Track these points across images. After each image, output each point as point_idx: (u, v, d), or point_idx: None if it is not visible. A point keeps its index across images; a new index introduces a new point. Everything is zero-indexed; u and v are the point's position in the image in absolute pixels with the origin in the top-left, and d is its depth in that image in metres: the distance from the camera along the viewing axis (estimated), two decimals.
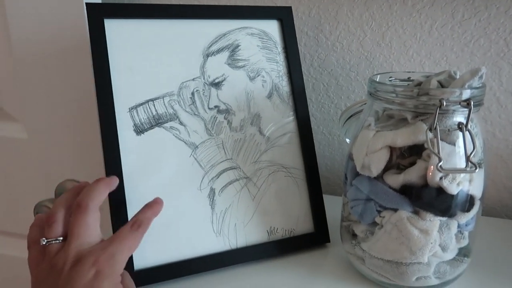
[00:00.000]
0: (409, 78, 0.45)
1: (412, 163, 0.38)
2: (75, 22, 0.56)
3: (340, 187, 0.69)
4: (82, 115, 0.61)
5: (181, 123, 0.46)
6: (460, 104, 0.35)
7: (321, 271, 0.45)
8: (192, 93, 0.47)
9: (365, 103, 0.46)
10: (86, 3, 0.44)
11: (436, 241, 0.37)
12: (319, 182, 0.50)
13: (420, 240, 0.37)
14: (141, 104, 0.45)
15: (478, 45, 0.56)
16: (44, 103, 0.62)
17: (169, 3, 0.48)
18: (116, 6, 0.46)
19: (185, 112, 0.46)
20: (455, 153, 0.36)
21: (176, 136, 0.46)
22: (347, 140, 0.55)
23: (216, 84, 0.48)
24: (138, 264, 0.42)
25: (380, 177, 0.39)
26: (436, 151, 0.35)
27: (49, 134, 0.64)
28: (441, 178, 0.36)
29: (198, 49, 0.48)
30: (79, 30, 0.56)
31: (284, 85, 0.51)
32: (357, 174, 0.41)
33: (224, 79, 0.49)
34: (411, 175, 0.37)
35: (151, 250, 0.43)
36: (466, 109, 0.35)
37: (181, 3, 0.49)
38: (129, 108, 0.44)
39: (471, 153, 0.35)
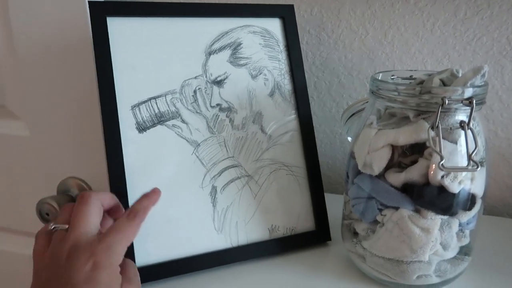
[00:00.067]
0: (411, 76, 0.45)
1: (414, 162, 0.38)
2: (78, 20, 0.56)
3: (342, 185, 0.69)
4: (84, 113, 0.61)
5: (183, 121, 0.46)
6: (462, 102, 0.35)
7: (322, 269, 0.45)
8: (194, 91, 0.47)
9: (367, 102, 0.46)
10: (89, 1, 0.45)
11: (437, 239, 0.37)
12: (321, 180, 0.50)
13: (421, 238, 0.37)
14: (144, 102, 0.45)
15: (480, 43, 0.56)
16: (47, 101, 0.62)
17: (171, 1, 0.48)
18: (118, 4, 0.46)
19: (187, 110, 0.46)
20: (457, 152, 0.36)
21: (178, 134, 0.46)
22: (349, 139, 0.55)
23: (218, 82, 0.48)
24: (140, 261, 0.42)
25: (381, 176, 0.39)
26: (438, 149, 0.35)
27: (51, 132, 0.64)
28: (442, 176, 0.36)
29: (200, 47, 0.48)
30: (81, 28, 0.56)
31: (286, 83, 0.51)
32: (358, 173, 0.41)
33: (226, 77, 0.49)
34: (413, 174, 0.37)
35: (152, 247, 0.43)
36: (468, 108, 0.35)
37: (184, 1, 0.49)
38: (132, 106, 0.45)
39: (472, 152, 0.35)
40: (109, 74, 0.44)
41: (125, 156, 0.43)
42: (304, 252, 0.48)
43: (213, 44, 0.49)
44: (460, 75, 0.39)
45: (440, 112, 0.35)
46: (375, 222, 0.40)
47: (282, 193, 0.49)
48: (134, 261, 0.42)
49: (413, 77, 0.44)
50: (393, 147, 0.39)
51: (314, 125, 0.54)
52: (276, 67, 0.51)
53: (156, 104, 0.45)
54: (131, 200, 0.42)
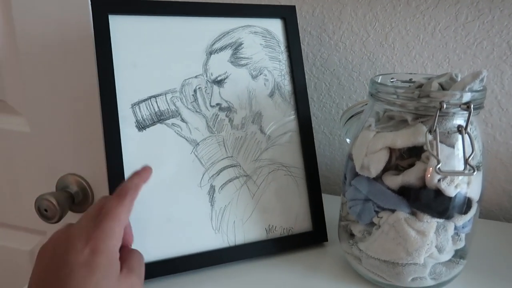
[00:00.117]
0: (410, 79, 0.45)
1: (411, 165, 0.38)
2: (80, 17, 0.56)
3: (340, 186, 0.69)
4: (85, 109, 0.61)
5: (182, 120, 0.46)
6: (460, 107, 0.35)
7: (318, 269, 0.45)
8: (195, 91, 0.47)
9: (366, 104, 0.46)
10: None
11: (432, 242, 0.38)
12: (319, 181, 0.51)
13: (416, 241, 0.37)
14: (144, 100, 0.45)
15: (481, 47, 0.56)
16: (47, 97, 0.63)
17: (173, 0, 0.49)
18: (120, 2, 0.46)
19: (187, 109, 0.47)
20: (454, 156, 0.36)
21: (177, 133, 0.46)
22: (348, 140, 0.55)
23: (219, 82, 0.48)
24: None
25: (379, 178, 0.39)
26: (435, 153, 0.35)
27: (51, 128, 0.64)
28: (439, 180, 0.36)
29: (201, 47, 0.48)
30: (83, 25, 0.56)
31: (286, 84, 0.52)
32: (356, 174, 0.41)
33: (227, 77, 0.49)
34: (410, 177, 0.37)
35: (150, 245, 0.43)
36: (466, 112, 0.35)
37: (186, 0, 0.49)
38: (132, 104, 0.45)
39: (469, 156, 0.35)
40: (110, 72, 0.44)
41: (124, 154, 0.43)
42: (301, 253, 0.48)
43: (214, 43, 0.49)
44: (459, 79, 0.39)
45: (438, 116, 0.35)
46: (372, 224, 0.41)
47: (280, 193, 0.49)
48: None
49: (413, 80, 0.45)
50: (391, 150, 0.39)
51: (313, 126, 0.54)
52: (277, 67, 0.51)
53: (156, 102, 0.46)
54: None
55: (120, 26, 0.45)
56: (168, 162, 0.45)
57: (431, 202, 0.37)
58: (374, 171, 0.39)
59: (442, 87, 0.39)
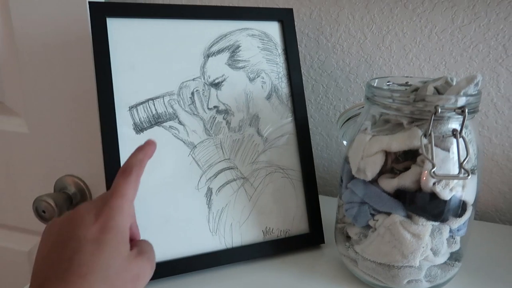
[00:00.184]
0: (407, 83, 0.45)
1: (407, 168, 0.38)
2: (78, 20, 0.56)
3: (337, 188, 0.69)
4: (83, 111, 0.61)
5: (180, 123, 0.47)
6: (455, 111, 0.35)
7: (315, 272, 0.46)
8: (192, 93, 0.48)
9: (363, 107, 0.46)
10: (89, 2, 0.45)
11: (427, 245, 0.38)
12: (316, 183, 0.51)
13: (412, 244, 0.38)
14: (141, 103, 0.45)
15: (477, 50, 0.56)
16: (46, 98, 0.63)
17: (171, 3, 0.49)
18: (118, 5, 0.46)
19: (185, 111, 0.47)
20: (449, 159, 0.37)
21: (175, 136, 0.46)
22: (344, 143, 0.55)
23: (216, 85, 0.49)
24: None
25: (375, 181, 0.40)
26: (430, 157, 0.35)
27: (50, 129, 0.64)
28: (434, 183, 0.36)
29: (199, 49, 0.48)
30: (81, 28, 0.56)
31: (283, 87, 0.52)
32: (352, 177, 0.42)
33: (224, 79, 0.49)
34: (405, 180, 0.38)
35: None
36: (461, 116, 0.35)
37: (183, 3, 0.49)
38: (129, 107, 0.45)
39: (464, 160, 0.35)
40: (107, 74, 0.44)
41: (122, 157, 0.43)
42: (298, 255, 0.48)
43: (211, 46, 0.49)
44: (454, 83, 0.39)
45: (433, 120, 0.35)
46: (368, 226, 0.41)
47: (277, 195, 0.49)
48: None
49: (409, 83, 0.45)
50: (387, 153, 0.39)
51: (311, 127, 0.54)
52: (274, 70, 0.52)
53: (154, 105, 0.46)
54: None
55: (118, 29, 0.45)
56: (166, 165, 0.45)
57: (426, 205, 0.38)
58: (370, 174, 0.39)
59: (438, 91, 0.40)
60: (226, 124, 0.48)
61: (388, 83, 0.45)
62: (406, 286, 0.40)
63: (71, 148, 0.64)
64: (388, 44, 0.60)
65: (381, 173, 0.39)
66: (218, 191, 0.47)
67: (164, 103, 0.46)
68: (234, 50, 0.50)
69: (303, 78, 0.64)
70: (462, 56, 0.57)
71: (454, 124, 0.37)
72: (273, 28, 0.52)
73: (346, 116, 0.53)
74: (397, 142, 0.38)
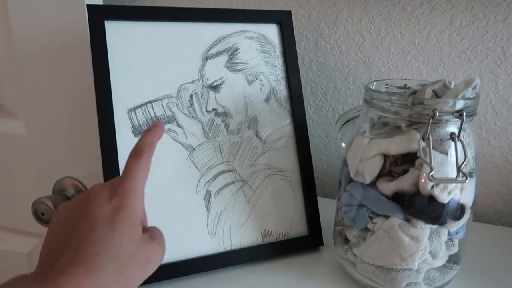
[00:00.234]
0: (405, 85, 0.45)
1: (405, 171, 0.39)
2: (76, 23, 0.56)
3: (336, 190, 0.69)
4: (81, 113, 0.61)
5: (178, 126, 0.47)
6: (453, 114, 0.35)
7: (314, 274, 0.46)
8: (191, 96, 0.48)
9: (361, 109, 0.46)
10: (87, 5, 0.45)
11: (426, 248, 0.38)
12: (314, 186, 0.51)
13: (410, 247, 0.38)
14: (140, 106, 0.45)
15: (475, 52, 0.56)
16: (44, 100, 0.63)
17: (169, 5, 0.49)
18: (116, 8, 0.46)
19: (183, 114, 0.47)
20: (447, 163, 0.37)
21: (173, 138, 0.46)
22: (343, 145, 0.55)
23: (215, 87, 0.49)
24: None
25: (373, 184, 0.40)
26: (428, 160, 0.35)
27: (48, 131, 0.64)
28: (432, 186, 0.36)
29: (197, 52, 0.48)
30: (79, 30, 0.56)
31: (281, 89, 0.52)
32: (351, 180, 0.42)
33: (223, 82, 0.49)
34: (404, 183, 0.38)
35: None
36: (459, 119, 0.35)
37: (182, 6, 0.49)
38: (128, 110, 0.45)
39: (462, 163, 0.35)
40: (106, 77, 0.44)
41: (120, 159, 0.43)
42: (297, 257, 0.48)
43: (210, 49, 0.49)
44: (452, 86, 0.39)
45: (431, 123, 0.35)
46: (366, 229, 0.41)
47: (275, 198, 0.49)
48: None
49: (407, 86, 0.45)
50: (385, 156, 0.39)
51: (309, 129, 0.54)
52: (272, 72, 0.52)
53: (152, 108, 0.46)
54: None
55: (116, 32, 0.45)
56: (164, 168, 0.45)
57: (424, 208, 0.38)
58: (368, 177, 0.39)
59: (436, 94, 0.40)
60: (225, 127, 0.48)
61: (386, 86, 0.45)
62: None
63: (70, 150, 0.64)
64: (387, 46, 0.60)
65: (380, 176, 0.39)
66: (217, 194, 0.47)
67: (163, 106, 0.46)
68: (232, 52, 0.50)
69: (302, 80, 0.64)
70: (461, 58, 0.57)
71: (452, 127, 0.37)
72: (271, 31, 0.52)
73: (344, 119, 0.53)
74: (396, 145, 0.38)
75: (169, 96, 0.47)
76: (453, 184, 0.37)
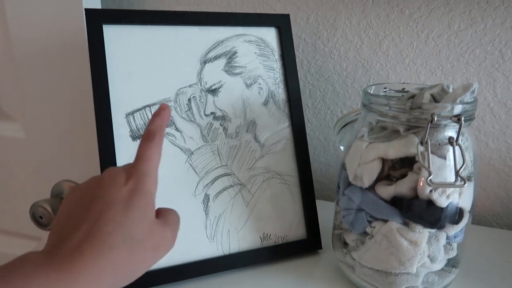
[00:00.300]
0: (403, 89, 0.45)
1: (404, 175, 0.39)
2: (74, 27, 0.56)
3: (334, 192, 0.69)
4: (79, 115, 0.61)
5: (177, 129, 0.46)
6: (451, 119, 0.35)
7: (312, 278, 0.46)
8: (189, 100, 0.47)
9: (360, 112, 0.46)
10: (85, 9, 0.45)
11: (424, 252, 0.38)
12: (313, 189, 0.51)
13: (409, 251, 0.38)
14: (138, 110, 0.45)
15: (473, 55, 0.56)
16: (43, 103, 0.63)
17: (167, 9, 0.49)
18: (115, 12, 0.46)
19: (181, 118, 0.47)
20: (445, 167, 0.37)
21: (171, 142, 0.46)
22: (342, 148, 0.55)
23: (213, 91, 0.49)
24: None
25: (371, 188, 0.40)
26: (426, 164, 0.35)
27: (46, 134, 0.64)
28: (431, 190, 0.36)
29: (195, 56, 0.48)
30: (78, 34, 0.56)
31: (280, 93, 0.52)
32: (349, 184, 0.42)
33: (221, 85, 0.49)
34: (402, 187, 0.38)
35: None
36: (457, 124, 0.35)
37: (180, 9, 0.49)
38: (126, 114, 0.45)
39: (460, 168, 0.35)
40: (104, 81, 0.44)
41: (118, 163, 0.43)
42: (295, 261, 0.48)
43: (208, 52, 0.49)
44: (450, 90, 0.40)
45: (430, 127, 0.35)
46: (365, 233, 0.41)
47: (274, 201, 0.49)
48: None
49: (405, 90, 0.45)
50: (383, 160, 0.39)
51: (308, 132, 0.54)
52: (271, 76, 0.52)
53: (151, 112, 0.46)
54: None
55: (115, 36, 0.45)
56: (162, 171, 0.45)
57: (423, 212, 0.38)
58: (367, 181, 0.39)
59: (434, 98, 0.40)
60: (223, 131, 0.48)
61: (384, 90, 0.45)
62: None
63: (68, 153, 0.64)
64: (385, 49, 0.60)
65: (378, 180, 0.39)
66: (215, 198, 0.47)
67: None
68: (231, 56, 0.50)
69: (300, 83, 0.64)
70: (459, 61, 0.57)
71: (451, 132, 0.37)
72: (270, 34, 0.52)
73: (343, 122, 0.53)
74: (394, 150, 0.38)
75: (167, 100, 0.47)
76: (452, 188, 0.37)
